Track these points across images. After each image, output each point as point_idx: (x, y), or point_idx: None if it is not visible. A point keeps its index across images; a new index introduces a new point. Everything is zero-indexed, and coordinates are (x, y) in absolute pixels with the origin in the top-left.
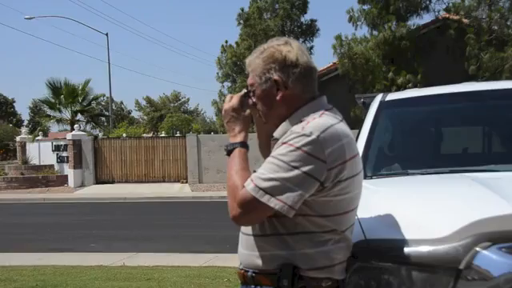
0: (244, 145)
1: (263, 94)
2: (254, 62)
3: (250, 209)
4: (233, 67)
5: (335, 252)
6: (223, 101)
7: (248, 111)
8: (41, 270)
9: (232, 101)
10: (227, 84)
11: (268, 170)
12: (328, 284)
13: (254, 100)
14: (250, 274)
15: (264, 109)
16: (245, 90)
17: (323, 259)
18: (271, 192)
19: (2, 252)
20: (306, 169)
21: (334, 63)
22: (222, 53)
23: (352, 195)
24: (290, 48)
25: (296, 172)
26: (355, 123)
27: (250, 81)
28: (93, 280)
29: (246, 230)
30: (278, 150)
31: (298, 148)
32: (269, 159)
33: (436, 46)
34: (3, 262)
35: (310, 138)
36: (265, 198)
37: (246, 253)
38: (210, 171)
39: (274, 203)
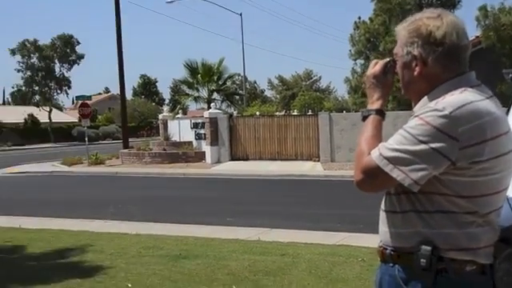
0: (379, 112)
1: (403, 67)
2: (401, 32)
3: (373, 176)
4: (366, 44)
5: (479, 234)
6: (356, 79)
7: (390, 80)
8: (183, 240)
9: (375, 67)
10: (360, 61)
11: (395, 140)
12: (472, 268)
13: (396, 70)
14: (388, 251)
15: (403, 81)
16: (388, 59)
17: (466, 241)
18: (395, 162)
19: (148, 221)
20: (434, 145)
21: (477, 36)
22: (354, 29)
23: (498, 176)
24: (439, 23)
25: (423, 147)
26: (501, 100)
27: (394, 50)
28: (230, 252)
29: (385, 206)
30: (409, 123)
31: (428, 123)
32: (399, 131)
33: None
34: (149, 231)
35: (441, 113)
36: (388, 168)
37: (385, 230)
38: (342, 150)
39: (397, 174)
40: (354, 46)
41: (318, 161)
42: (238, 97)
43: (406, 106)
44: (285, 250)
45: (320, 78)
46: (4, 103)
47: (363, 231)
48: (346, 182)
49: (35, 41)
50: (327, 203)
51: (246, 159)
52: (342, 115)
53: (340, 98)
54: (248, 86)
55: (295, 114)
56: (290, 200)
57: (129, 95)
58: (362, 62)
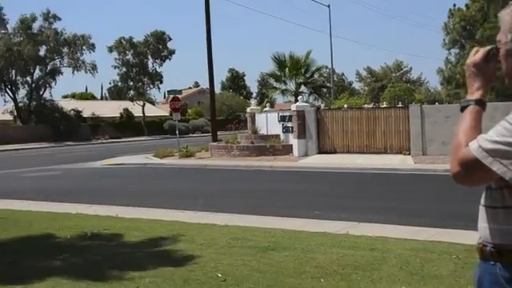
0: (479, 103)
1: (506, 54)
2: (504, 18)
3: (470, 169)
4: (461, 32)
5: None
6: (449, 69)
7: (491, 68)
8: (271, 232)
9: (476, 55)
10: (454, 51)
11: (496, 132)
12: None
13: (499, 58)
14: (488, 248)
15: (507, 70)
16: (490, 46)
17: None
18: (495, 155)
19: (236, 213)
20: None
21: None
22: (449, 17)
23: None
24: None
25: None
26: None
27: (497, 36)
28: (319, 245)
29: (485, 201)
30: (511, 114)
31: None
32: (500, 122)
33: None
34: (237, 222)
35: None
36: (487, 161)
37: (485, 226)
38: (434, 143)
39: (497, 167)
40: (448, 34)
41: (409, 154)
42: (325, 89)
43: (505, 97)
44: (374, 244)
45: (411, 69)
46: (102, 98)
47: (457, 227)
48: (439, 177)
49: (130, 38)
50: (418, 198)
51: (334, 152)
52: (434, 107)
53: (432, 90)
54: (336, 79)
55: (384, 106)
56: (379, 194)
57: (217, 89)
58: (457, 51)
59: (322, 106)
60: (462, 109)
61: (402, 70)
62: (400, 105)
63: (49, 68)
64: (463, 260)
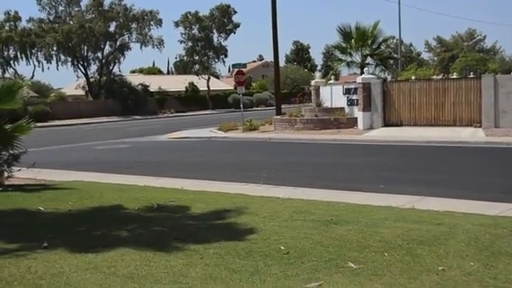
0: None
1: None
2: None
3: None
4: None
5: None
6: None
7: None
8: (334, 206)
9: None
10: None
11: None
12: None
13: None
14: None
15: None
16: None
17: None
18: None
19: (299, 186)
20: None
21: None
22: None
23: None
24: None
25: None
26: None
27: None
28: (383, 220)
29: None
30: None
31: None
32: None
33: None
34: (300, 195)
35: None
36: None
37: None
38: (508, 115)
39: None
40: None
41: (480, 127)
42: (392, 61)
43: None
44: (441, 219)
45: (484, 37)
46: (168, 73)
47: None
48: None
49: (196, 12)
50: (488, 172)
51: (400, 125)
52: (509, 77)
53: (507, 59)
54: (403, 49)
55: (454, 77)
56: (447, 168)
57: (281, 62)
58: None
59: (389, 77)
60: None
61: (474, 38)
62: (471, 75)
63: (118, 44)
64: None
